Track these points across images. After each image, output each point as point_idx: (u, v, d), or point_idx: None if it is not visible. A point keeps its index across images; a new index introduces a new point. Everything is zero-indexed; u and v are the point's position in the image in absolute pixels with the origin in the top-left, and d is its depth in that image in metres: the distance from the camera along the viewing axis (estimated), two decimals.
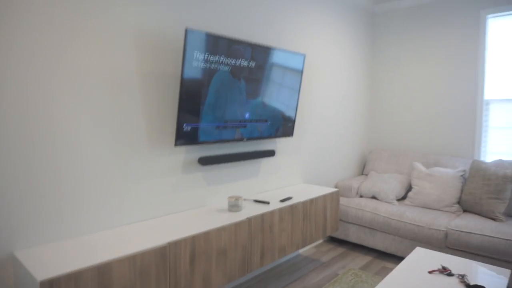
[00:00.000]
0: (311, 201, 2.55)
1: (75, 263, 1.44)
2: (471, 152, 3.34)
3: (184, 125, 1.99)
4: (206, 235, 1.84)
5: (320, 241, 3.35)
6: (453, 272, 1.87)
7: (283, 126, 2.65)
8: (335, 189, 2.82)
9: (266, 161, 2.73)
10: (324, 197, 2.68)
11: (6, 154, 1.50)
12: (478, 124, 3.28)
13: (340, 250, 3.17)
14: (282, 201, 2.43)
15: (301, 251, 3.12)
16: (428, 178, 3.12)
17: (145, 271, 1.59)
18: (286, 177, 2.94)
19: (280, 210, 2.29)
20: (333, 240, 3.38)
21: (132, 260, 1.55)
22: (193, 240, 1.78)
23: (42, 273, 1.35)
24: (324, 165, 3.35)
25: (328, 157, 3.40)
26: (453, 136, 3.44)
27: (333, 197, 2.79)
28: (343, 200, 3.26)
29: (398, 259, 3.02)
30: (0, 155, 1.48)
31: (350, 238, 3.17)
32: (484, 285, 1.71)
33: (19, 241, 1.56)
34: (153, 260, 1.62)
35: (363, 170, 3.96)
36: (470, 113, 3.33)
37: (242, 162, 2.53)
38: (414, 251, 2.18)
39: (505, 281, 1.79)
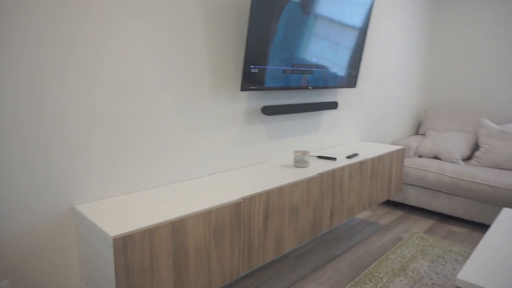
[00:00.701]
0: (379, 158, 2.29)
1: (147, 219, 1.24)
2: None
3: (252, 66, 1.72)
4: (280, 191, 1.62)
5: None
6: None
7: (347, 75, 2.35)
8: (400, 147, 2.55)
9: (327, 115, 2.46)
10: (391, 154, 2.42)
11: (65, 104, 1.28)
12: None
13: (397, 213, 2.94)
14: (349, 157, 2.18)
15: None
16: (500, 135, 2.81)
17: (220, 228, 1.39)
18: (345, 134, 2.67)
19: (350, 166, 2.04)
20: (388, 203, 3.15)
21: (207, 216, 1.34)
22: (267, 195, 1.56)
23: (114, 229, 1.15)
24: (379, 123, 3.06)
25: (383, 115, 3.10)
26: None
27: (399, 155, 2.52)
28: None
29: (465, 222, 2.78)
30: (60, 105, 1.26)
31: (409, 200, 2.93)
32: None
33: (81, 194, 1.37)
34: (228, 216, 1.42)
35: (417, 130, 3.66)
36: None
37: (304, 115, 2.27)
38: (502, 213, 1.93)
39: None
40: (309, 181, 1.77)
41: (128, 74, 1.43)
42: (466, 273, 1.34)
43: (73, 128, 1.32)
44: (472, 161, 2.89)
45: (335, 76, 2.25)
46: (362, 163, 2.13)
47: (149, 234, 1.18)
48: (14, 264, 1.25)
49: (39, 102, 1.23)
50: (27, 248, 1.27)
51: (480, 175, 2.59)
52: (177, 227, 1.25)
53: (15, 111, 1.18)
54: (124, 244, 1.13)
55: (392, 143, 3.21)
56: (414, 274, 2.03)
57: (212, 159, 1.80)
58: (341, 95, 2.55)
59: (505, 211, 1.95)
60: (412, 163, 2.90)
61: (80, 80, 1.31)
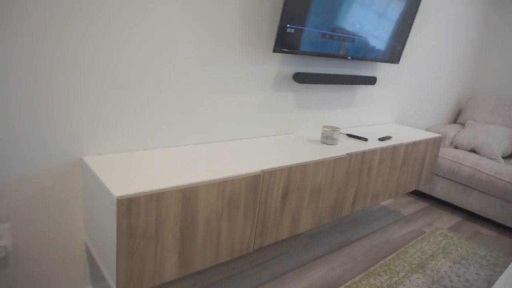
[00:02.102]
0: (414, 144, 2.10)
1: (157, 182, 1.13)
2: None
3: (288, 25, 1.53)
4: (304, 167, 1.48)
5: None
6: None
7: (391, 48, 2.12)
8: (438, 135, 2.34)
9: (362, 90, 2.26)
10: (427, 142, 2.21)
11: (83, 51, 1.14)
12: None
13: (421, 204, 2.77)
14: (381, 139, 2.00)
15: None
16: None
17: (234, 201, 1.28)
18: (379, 113, 2.47)
19: (382, 150, 1.87)
20: (413, 193, 2.98)
21: (221, 186, 1.22)
22: (289, 171, 1.43)
23: (120, 189, 1.05)
24: (416, 106, 2.82)
25: (422, 98, 2.85)
26: None
27: (435, 144, 2.31)
28: None
29: (495, 225, 2.59)
30: (77, 52, 1.13)
31: (436, 193, 2.74)
32: None
33: (91, 145, 1.27)
34: (244, 189, 1.29)
35: (456, 119, 3.39)
36: None
37: (338, 87, 2.08)
38: None
39: None
40: (336, 160, 1.61)
41: (151, 25, 1.28)
42: None
43: (89, 77, 1.19)
44: None
45: (378, 48, 2.03)
46: (395, 148, 1.95)
47: (156, 198, 1.07)
48: (17, 208, 1.18)
49: (53, 44, 1.10)
50: (31, 194, 1.19)
51: None
52: (187, 194, 1.14)
53: (30, 52, 1.06)
54: (129, 207, 1.02)
55: (427, 129, 2.98)
56: (433, 273, 1.89)
57: (234, 124, 1.66)
58: (381, 70, 2.33)
59: None
60: (446, 154, 2.68)
61: (101, 30, 1.17)
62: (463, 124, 3.18)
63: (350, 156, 1.68)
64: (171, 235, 1.15)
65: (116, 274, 1.08)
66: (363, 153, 1.76)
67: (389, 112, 2.55)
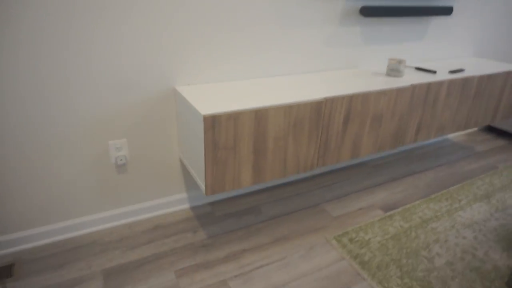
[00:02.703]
0: (489, 77, 2.03)
1: (234, 105, 1.37)
2: None
3: None
4: (365, 96, 1.60)
5: (475, 128, 2.86)
6: None
7: None
8: None
9: (436, 22, 2.19)
10: (506, 74, 2.11)
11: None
12: None
13: (499, 142, 2.67)
14: (452, 72, 1.98)
15: (450, 136, 2.73)
16: None
17: (299, 123, 1.48)
18: (455, 46, 2.38)
19: (450, 82, 1.87)
20: (491, 130, 2.86)
21: (288, 110, 1.42)
22: (351, 99, 1.57)
23: (205, 109, 1.31)
24: (503, 39, 2.61)
25: (509, 27, 2.62)
26: None
27: None
28: None
29: None
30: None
31: None
32: None
33: (181, 77, 1.55)
34: (308, 114, 1.48)
35: None
36: None
37: (409, 20, 2.06)
38: None
39: None
40: (399, 91, 1.69)
41: None
42: None
43: (184, 19, 1.44)
44: None
45: None
46: (465, 80, 1.93)
47: (234, 117, 1.32)
48: (131, 127, 1.54)
49: None
50: (140, 116, 1.54)
51: None
52: (259, 115, 1.37)
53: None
54: (213, 123, 1.29)
55: None
56: (498, 203, 1.93)
57: (301, 58, 1.81)
58: None
59: None
60: None
61: None
62: None
63: (413, 87, 1.74)
64: (246, 149, 1.41)
65: (204, 178, 1.38)
66: (429, 85, 1.79)
67: (468, 45, 2.43)
